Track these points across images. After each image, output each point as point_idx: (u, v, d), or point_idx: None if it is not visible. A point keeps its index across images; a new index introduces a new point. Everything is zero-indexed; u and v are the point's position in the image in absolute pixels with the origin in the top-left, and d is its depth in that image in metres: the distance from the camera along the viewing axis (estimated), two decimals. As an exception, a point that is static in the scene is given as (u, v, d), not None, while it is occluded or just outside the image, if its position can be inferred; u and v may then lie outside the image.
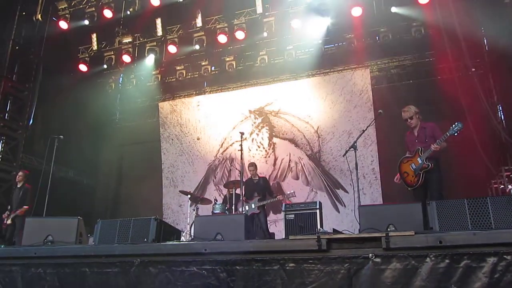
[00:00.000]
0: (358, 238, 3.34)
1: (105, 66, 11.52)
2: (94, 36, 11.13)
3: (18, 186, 8.52)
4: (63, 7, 10.75)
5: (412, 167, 5.36)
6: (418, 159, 5.28)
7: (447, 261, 2.97)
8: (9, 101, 10.75)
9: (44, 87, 10.96)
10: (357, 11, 9.35)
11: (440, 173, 5.34)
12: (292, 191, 8.05)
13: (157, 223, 4.48)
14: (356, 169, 5.77)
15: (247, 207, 7.88)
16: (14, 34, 10.69)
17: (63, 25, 10.61)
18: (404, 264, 3.05)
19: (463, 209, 3.63)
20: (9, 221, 7.99)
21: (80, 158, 11.68)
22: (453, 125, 4.97)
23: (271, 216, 9.89)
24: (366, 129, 6.28)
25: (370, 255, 3.14)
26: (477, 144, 8.01)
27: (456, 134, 4.97)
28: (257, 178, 8.34)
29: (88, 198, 12.22)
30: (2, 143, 10.53)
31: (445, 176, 5.54)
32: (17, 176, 8.61)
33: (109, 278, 3.81)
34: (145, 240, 4.35)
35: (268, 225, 8.35)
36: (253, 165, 8.43)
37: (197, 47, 10.82)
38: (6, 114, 10.69)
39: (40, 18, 10.75)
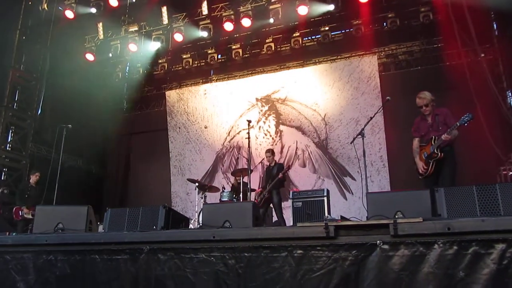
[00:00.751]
0: (366, 225, 3.33)
1: (111, 55, 11.52)
2: (100, 25, 11.11)
3: (34, 186, 8.58)
4: (69, -4, 10.73)
5: (424, 156, 5.30)
6: (430, 147, 5.20)
7: (455, 247, 2.95)
8: (18, 91, 10.85)
9: (51, 76, 11.02)
10: (364, -3, 9.24)
11: (453, 163, 5.18)
12: (286, 167, 8.01)
13: (166, 211, 4.50)
14: (364, 156, 5.75)
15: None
16: (21, 24, 10.74)
17: (69, 14, 10.58)
18: (412, 250, 3.04)
19: (471, 196, 3.59)
20: (30, 216, 8.00)
21: (88, 147, 11.78)
22: (464, 116, 4.87)
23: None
24: (373, 116, 6.25)
25: (378, 242, 3.14)
26: (486, 130, 7.92)
27: (466, 124, 4.86)
28: (274, 164, 8.13)
29: (97, 187, 12.34)
30: (11, 133, 10.64)
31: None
32: (35, 176, 8.60)
33: (119, 264, 3.86)
34: (154, 227, 4.38)
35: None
36: (269, 151, 8.22)
37: (203, 35, 10.76)
38: (15, 104, 10.77)
39: (46, 8, 10.75)
